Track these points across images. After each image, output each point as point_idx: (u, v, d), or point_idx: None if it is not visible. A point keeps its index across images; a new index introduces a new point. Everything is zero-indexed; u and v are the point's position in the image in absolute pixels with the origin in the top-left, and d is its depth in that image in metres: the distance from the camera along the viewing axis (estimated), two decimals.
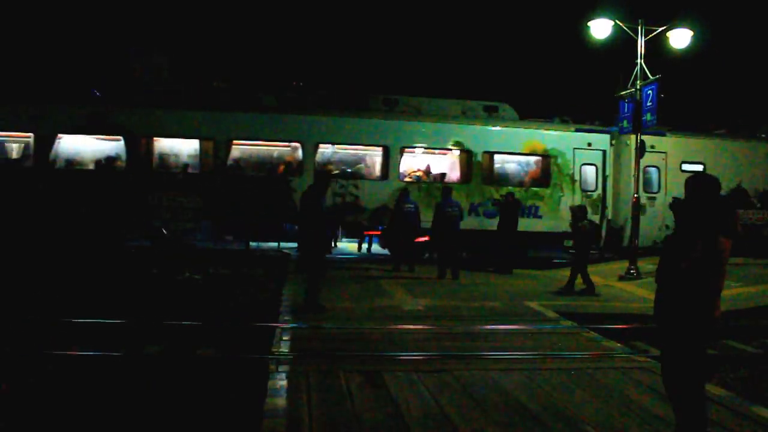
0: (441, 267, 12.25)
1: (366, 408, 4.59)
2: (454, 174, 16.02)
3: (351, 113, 15.58)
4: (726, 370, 7.23)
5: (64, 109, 14.45)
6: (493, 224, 14.51)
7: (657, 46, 13.08)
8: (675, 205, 4.27)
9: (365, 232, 16.94)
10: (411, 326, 7.65)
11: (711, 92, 29.37)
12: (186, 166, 14.82)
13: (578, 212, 11.26)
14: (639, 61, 12.64)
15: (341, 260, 14.94)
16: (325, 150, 15.52)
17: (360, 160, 16.11)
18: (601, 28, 12.75)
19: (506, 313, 8.74)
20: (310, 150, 14.99)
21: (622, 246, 15.63)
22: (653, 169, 16.24)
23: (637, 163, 13.02)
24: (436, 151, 16.14)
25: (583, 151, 16.05)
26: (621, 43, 13.06)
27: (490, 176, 15.89)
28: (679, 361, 3.86)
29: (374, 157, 15.83)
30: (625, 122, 13.13)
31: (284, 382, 5.09)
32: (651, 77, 12.27)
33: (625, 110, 13.05)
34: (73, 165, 14.53)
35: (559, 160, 15.94)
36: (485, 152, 15.76)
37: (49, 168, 14.05)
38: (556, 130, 16.29)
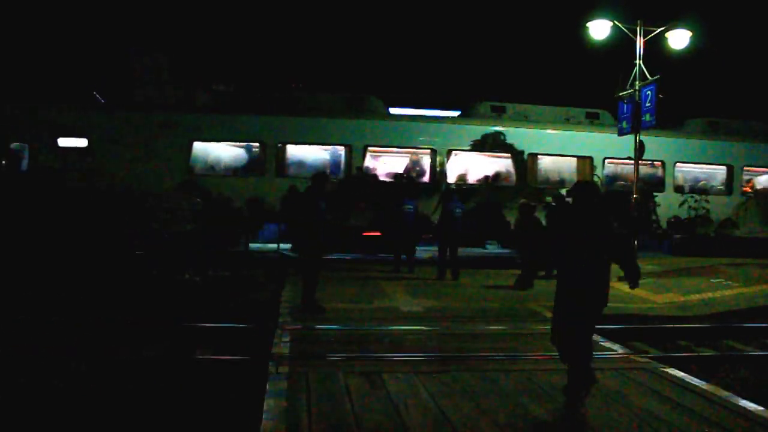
0: (441, 268, 12.23)
1: (365, 409, 4.59)
2: None
3: (704, 135, 17.74)
4: (726, 370, 7.24)
5: (462, 128, 16.01)
6: None
7: (656, 47, 13.11)
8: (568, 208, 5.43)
9: (364, 234, 16.97)
10: (410, 327, 7.64)
11: (710, 91, 29.36)
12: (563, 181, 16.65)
13: (523, 210, 11.52)
14: (638, 61, 12.64)
15: (340, 261, 14.93)
16: (682, 168, 17.70)
17: (709, 177, 18.12)
18: (599, 29, 12.77)
19: (506, 314, 8.73)
20: (671, 168, 17.25)
21: None
22: None
23: (637, 162, 13.02)
24: (762, 169, 18.41)
25: None
26: (620, 43, 13.09)
27: None
28: (591, 326, 4.96)
29: (721, 174, 17.92)
30: (624, 123, 13.14)
31: (284, 384, 5.09)
32: (650, 78, 12.27)
33: (625, 111, 13.06)
34: (462, 179, 16.06)
35: None
36: None
37: (441, 180, 15.65)
38: None
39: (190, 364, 6.77)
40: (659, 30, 12.72)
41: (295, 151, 15.73)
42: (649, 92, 12.21)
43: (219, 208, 13.94)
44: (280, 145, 15.23)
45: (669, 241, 17.32)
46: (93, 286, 10.57)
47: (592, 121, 17.27)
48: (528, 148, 16.25)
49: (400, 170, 16.19)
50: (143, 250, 13.43)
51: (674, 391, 5.20)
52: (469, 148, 16.05)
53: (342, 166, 15.67)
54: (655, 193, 16.82)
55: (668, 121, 17.68)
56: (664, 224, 16.92)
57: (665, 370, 5.88)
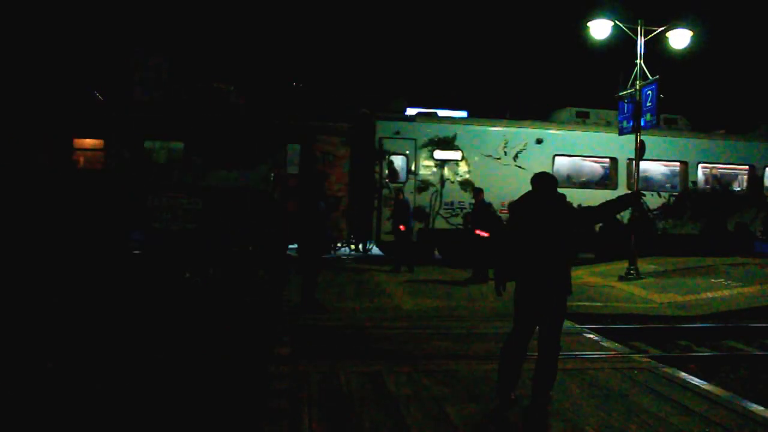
0: (397, 263, 12.88)
1: (366, 408, 4.60)
2: None
3: None
4: (726, 371, 7.25)
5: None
6: None
7: (657, 47, 13.13)
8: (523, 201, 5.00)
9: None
10: (411, 326, 7.66)
11: (709, 91, 29.37)
12: None
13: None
14: (638, 61, 12.65)
15: (341, 261, 14.96)
16: None
17: None
18: (600, 29, 12.78)
19: (506, 314, 8.69)
20: None
21: None
22: None
23: (637, 163, 13.04)
24: None
25: None
26: (621, 43, 13.11)
27: None
28: (560, 322, 4.81)
29: None
30: (624, 123, 13.15)
31: (285, 383, 5.10)
32: (650, 77, 12.28)
33: (625, 111, 13.07)
34: None
35: None
36: None
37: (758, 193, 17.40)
38: None
39: (191, 364, 6.78)
40: (660, 30, 12.73)
41: (641, 166, 16.59)
42: (649, 92, 12.23)
43: None
44: (628, 160, 16.04)
45: None
46: (94, 286, 10.59)
47: None
48: None
49: (728, 184, 17.55)
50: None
51: (674, 391, 5.21)
52: None
53: (678, 180, 17.05)
54: None
55: None
56: None
57: (665, 369, 5.89)
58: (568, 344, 6.95)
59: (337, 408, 4.60)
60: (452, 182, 15.11)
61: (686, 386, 5.33)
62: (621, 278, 12.60)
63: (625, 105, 13.01)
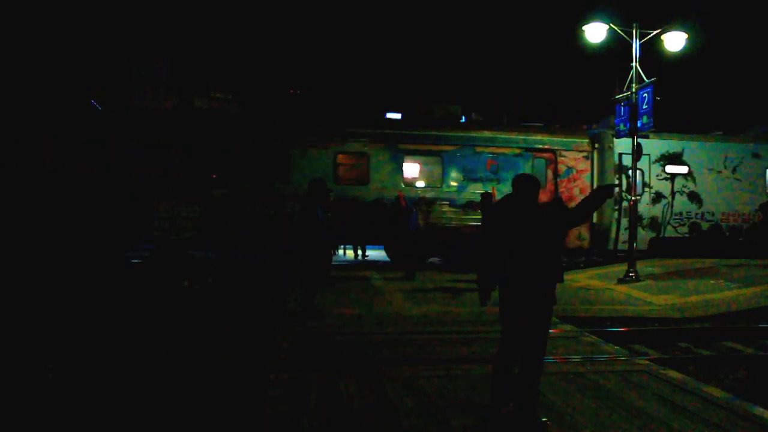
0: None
1: (365, 413, 4.60)
2: None
3: None
4: (726, 372, 7.24)
5: None
6: None
7: (653, 49, 13.17)
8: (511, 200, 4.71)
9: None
10: (410, 331, 7.65)
11: (706, 93, 29.45)
12: None
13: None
14: (634, 64, 12.68)
15: (340, 267, 14.95)
16: None
17: None
18: (595, 32, 12.82)
19: None
20: None
21: None
22: None
23: (634, 164, 13.06)
24: None
25: None
26: (618, 45, 13.16)
27: None
28: (539, 331, 4.44)
29: None
30: (621, 126, 13.18)
31: (284, 390, 5.09)
32: (646, 80, 12.31)
33: (622, 114, 13.10)
34: None
35: None
36: None
37: None
38: None
39: (190, 370, 6.77)
40: (655, 32, 12.77)
41: None
42: (645, 94, 12.25)
43: None
44: None
45: None
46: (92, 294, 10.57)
47: None
48: None
49: None
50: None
51: (674, 393, 5.21)
52: None
53: None
54: None
55: None
56: None
57: (665, 372, 5.89)
58: (567, 347, 6.97)
59: (336, 415, 4.60)
60: (681, 194, 16.29)
61: (686, 388, 5.33)
62: (620, 281, 12.60)
63: (622, 108, 13.04)
